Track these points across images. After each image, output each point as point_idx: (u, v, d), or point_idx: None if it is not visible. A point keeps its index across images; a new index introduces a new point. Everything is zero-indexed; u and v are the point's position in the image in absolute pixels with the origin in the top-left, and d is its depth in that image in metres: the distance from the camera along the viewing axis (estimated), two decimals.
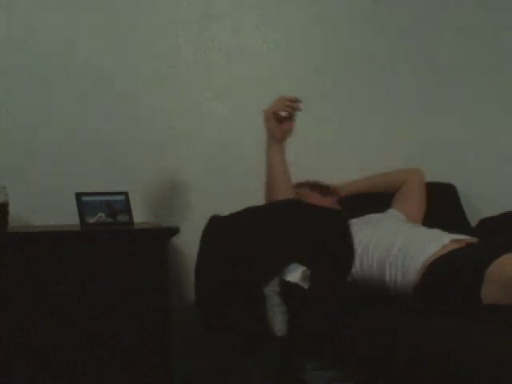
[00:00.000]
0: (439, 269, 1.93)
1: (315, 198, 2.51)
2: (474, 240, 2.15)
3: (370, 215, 2.46)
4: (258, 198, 2.67)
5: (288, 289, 1.94)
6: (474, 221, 2.78)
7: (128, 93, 2.59)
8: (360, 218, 2.45)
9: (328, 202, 2.52)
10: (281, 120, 2.32)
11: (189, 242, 2.56)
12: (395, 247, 2.09)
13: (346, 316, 1.78)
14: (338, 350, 1.74)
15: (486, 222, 2.67)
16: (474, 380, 1.30)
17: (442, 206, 2.73)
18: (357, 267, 2.15)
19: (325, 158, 2.79)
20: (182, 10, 2.66)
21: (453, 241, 2.09)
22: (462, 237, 2.15)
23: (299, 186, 2.57)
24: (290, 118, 2.32)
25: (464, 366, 1.33)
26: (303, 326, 1.84)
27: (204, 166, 2.68)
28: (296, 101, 2.30)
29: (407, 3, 2.93)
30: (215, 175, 2.68)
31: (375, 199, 2.65)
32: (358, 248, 2.18)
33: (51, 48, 2.52)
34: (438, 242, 2.07)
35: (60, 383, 2.06)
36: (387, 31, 2.91)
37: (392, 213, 2.55)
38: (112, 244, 2.16)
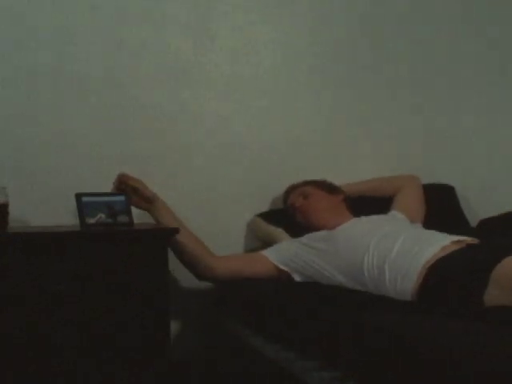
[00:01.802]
0: (440, 271, 1.93)
1: (322, 196, 2.52)
2: (475, 241, 2.15)
3: (373, 216, 2.46)
4: (257, 198, 2.68)
5: None
6: (473, 222, 2.79)
7: (128, 93, 2.59)
8: (362, 218, 2.45)
9: (335, 200, 2.53)
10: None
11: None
12: (394, 250, 2.09)
13: (346, 316, 1.78)
14: (337, 350, 1.74)
15: (486, 223, 2.67)
16: (473, 381, 1.31)
17: (441, 207, 2.73)
18: (358, 269, 2.16)
19: (322, 159, 2.79)
20: (182, 9, 2.66)
21: (452, 242, 2.08)
22: (462, 238, 2.14)
23: (306, 184, 2.58)
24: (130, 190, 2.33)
25: (463, 366, 1.33)
26: None
27: (204, 166, 2.68)
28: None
29: (408, 2, 2.95)
30: (215, 175, 2.68)
31: (378, 201, 2.66)
32: (360, 250, 2.18)
33: (50, 49, 2.52)
34: (437, 243, 2.06)
35: (60, 383, 2.06)
36: (388, 32, 2.91)
37: (395, 215, 2.55)
38: (112, 244, 2.15)
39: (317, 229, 2.43)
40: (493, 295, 1.74)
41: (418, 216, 2.59)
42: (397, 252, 2.08)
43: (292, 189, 2.61)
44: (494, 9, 3.04)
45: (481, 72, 3.03)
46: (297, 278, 2.34)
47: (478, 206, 2.90)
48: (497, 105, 3.04)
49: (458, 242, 2.10)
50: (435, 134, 2.96)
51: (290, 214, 2.57)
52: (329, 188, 2.59)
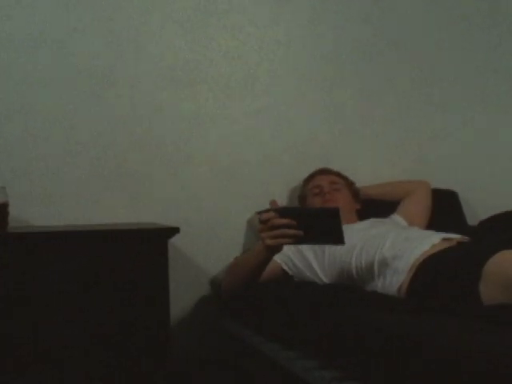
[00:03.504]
0: (431, 267, 1.92)
1: (347, 197, 2.56)
2: (466, 239, 2.15)
3: (372, 219, 2.46)
4: (258, 198, 2.68)
5: None
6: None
7: (127, 93, 2.59)
8: (364, 221, 2.45)
9: (352, 206, 2.59)
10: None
11: (189, 242, 2.57)
12: (385, 247, 2.09)
13: (345, 315, 1.78)
14: (338, 350, 1.74)
15: (485, 223, 2.67)
16: (473, 381, 1.30)
17: (443, 212, 2.71)
18: (348, 267, 2.16)
19: (322, 158, 2.78)
20: (182, 9, 2.66)
21: (443, 240, 2.08)
22: (453, 236, 2.14)
23: (339, 175, 2.62)
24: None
25: (463, 366, 1.33)
26: None
27: (205, 166, 2.67)
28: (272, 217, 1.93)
29: (408, 3, 2.94)
30: (215, 175, 2.68)
31: (382, 204, 2.67)
32: (349, 248, 2.18)
33: (49, 48, 2.51)
34: (427, 241, 2.06)
35: (61, 383, 2.06)
36: (389, 32, 2.90)
37: (394, 218, 2.55)
38: (112, 244, 2.15)
39: None
40: (486, 291, 1.73)
41: (419, 221, 2.57)
42: (386, 250, 2.08)
43: (324, 172, 2.61)
44: (497, 9, 3.03)
45: (481, 74, 3.02)
46: (295, 275, 2.34)
47: (479, 209, 2.89)
48: (497, 106, 3.03)
49: (449, 239, 2.10)
50: (435, 136, 2.95)
51: (304, 192, 2.59)
52: (354, 192, 2.61)
